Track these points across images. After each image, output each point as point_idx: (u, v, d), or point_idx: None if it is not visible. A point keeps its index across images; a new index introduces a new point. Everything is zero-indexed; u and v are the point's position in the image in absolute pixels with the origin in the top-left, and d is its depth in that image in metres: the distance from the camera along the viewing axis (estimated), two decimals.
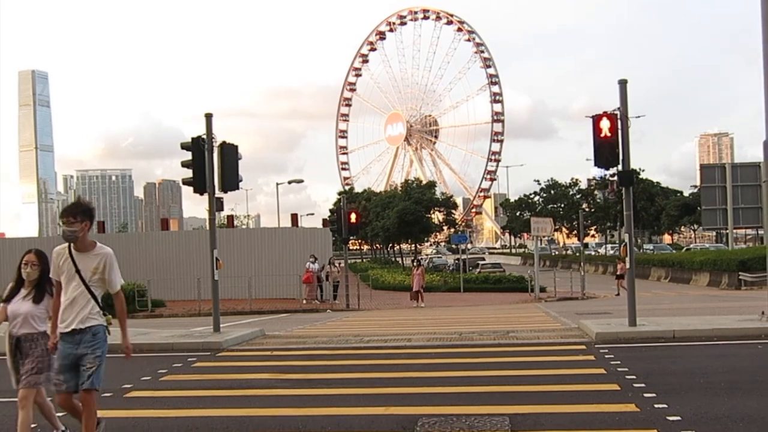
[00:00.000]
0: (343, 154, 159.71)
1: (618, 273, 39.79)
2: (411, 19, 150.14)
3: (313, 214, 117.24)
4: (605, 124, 15.27)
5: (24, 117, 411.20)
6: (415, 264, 38.08)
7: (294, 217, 47.88)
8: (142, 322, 26.21)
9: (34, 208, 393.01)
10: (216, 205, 17.25)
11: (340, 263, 38.12)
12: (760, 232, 68.28)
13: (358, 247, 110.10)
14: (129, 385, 10.60)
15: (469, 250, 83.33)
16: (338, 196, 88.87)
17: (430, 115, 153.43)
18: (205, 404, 9.24)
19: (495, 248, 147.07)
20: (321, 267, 35.50)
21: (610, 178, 16.34)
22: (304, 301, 33.25)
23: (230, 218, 55.45)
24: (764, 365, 11.21)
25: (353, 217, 34.28)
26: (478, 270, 56.77)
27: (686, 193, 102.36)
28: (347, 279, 34.89)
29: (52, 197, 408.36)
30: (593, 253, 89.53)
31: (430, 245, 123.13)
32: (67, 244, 6.72)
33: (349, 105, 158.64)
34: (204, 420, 8.27)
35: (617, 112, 15.39)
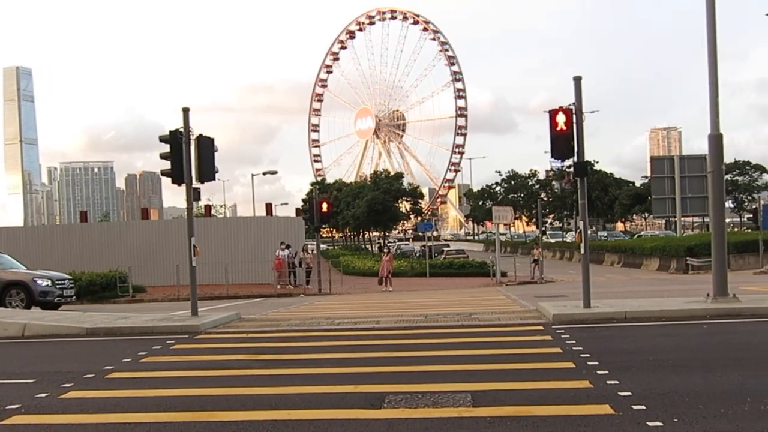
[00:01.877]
0: (316, 146, 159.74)
1: (534, 258, 40.13)
2: (379, 19, 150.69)
3: (287, 203, 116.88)
4: (561, 118, 15.33)
5: (9, 111, 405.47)
6: (385, 251, 38.14)
7: (269, 207, 47.68)
8: (123, 306, 26.03)
9: (20, 198, 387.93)
10: (193, 195, 17.12)
11: (312, 250, 38.10)
12: (706, 219, 69.15)
13: (329, 235, 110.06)
14: (110, 367, 10.51)
15: (438, 238, 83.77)
16: (311, 187, 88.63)
17: (397, 110, 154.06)
18: (183, 384, 9.17)
19: (460, 236, 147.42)
20: (294, 253, 35.45)
21: (567, 170, 16.39)
22: (279, 286, 33.15)
23: (207, 208, 55.20)
24: (709, 344, 11.34)
25: (325, 206, 34.25)
26: (443, 256, 56.96)
27: (638, 184, 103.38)
28: (319, 265, 34.84)
29: (36, 188, 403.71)
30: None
31: (398, 233, 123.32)
32: None
33: (320, 100, 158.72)
34: (182, 399, 8.21)
35: (572, 107, 15.44)
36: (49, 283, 24.76)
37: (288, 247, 35.23)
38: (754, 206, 53.57)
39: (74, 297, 27.15)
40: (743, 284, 22.04)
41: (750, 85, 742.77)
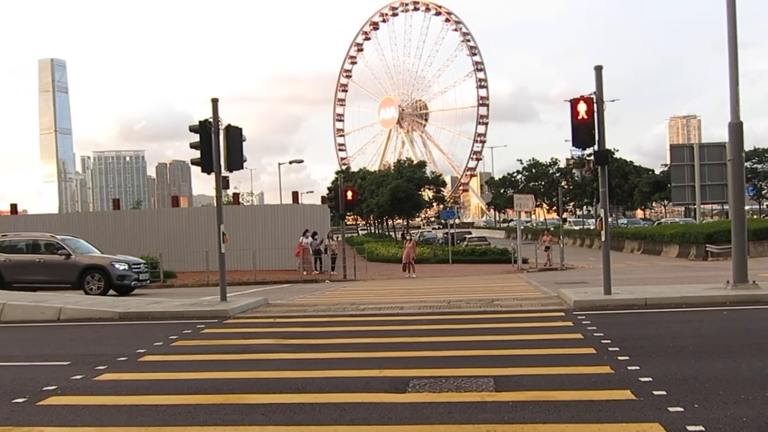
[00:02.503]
0: (340, 136, 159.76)
1: (545, 245, 40.09)
2: (402, 11, 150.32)
3: (312, 192, 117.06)
4: (582, 107, 15.21)
5: (44, 102, 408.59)
6: (408, 238, 38.11)
7: (295, 195, 47.83)
8: (154, 292, 26.19)
9: (54, 186, 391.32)
10: (222, 183, 17.20)
11: (337, 237, 38.16)
12: (726, 207, 68.41)
13: (354, 223, 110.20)
14: (143, 350, 10.59)
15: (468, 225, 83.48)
16: (336, 175, 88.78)
17: (420, 100, 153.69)
18: (213, 367, 9.22)
19: (490, 222, 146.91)
20: (320, 241, 35.52)
21: (587, 158, 16.26)
22: (304, 273, 33.25)
23: (236, 196, 55.41)
24: (729, 330, 11.22)
25: (350, 194, 34.28)
26: (465, 243, 56.79)
27: (657, 171, 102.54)
28: (344, 252, 34.91)
29: (70, 177, 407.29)
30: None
31: (421, 220, 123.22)
32: None
33: (345, 90, 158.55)
34: (212, 381, 8.26)
35: (593, 96, 15.32)
36: (126, 267, 24.65)
37: (314, 234, 35.30)
38: None
39: (148, 281, 27.14)
40: (763, 271, 21.78)
41: None
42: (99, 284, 23.90)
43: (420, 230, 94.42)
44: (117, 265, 24.39)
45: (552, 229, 47.34)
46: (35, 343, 12.55)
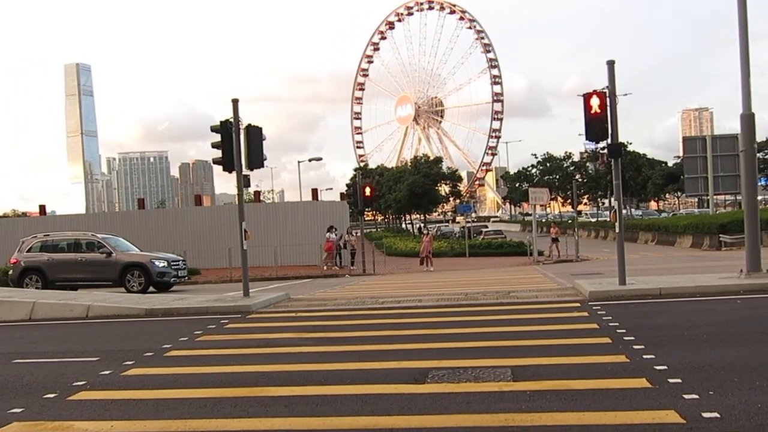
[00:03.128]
0: (358, 133, 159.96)
1: (552, 237, 40.10)
2: (417, 10, 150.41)
3: (331, 188, 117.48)
4: (595, 101, 15.13)
5: (70, 106, 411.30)
6: (425, 232, 38.09)
7: (314, 192, 47.92)
8: (179, 288, 26.31)
9: (81, 187, 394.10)
10: (243, 181, 17.23)
11: (356, 232, 38.18)
12: (738, 197, 67.85)
13: (372, 218, 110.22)
14: (168, 345, 10.66)
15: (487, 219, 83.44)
16: (354, 172, 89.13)
17: (436, 97, 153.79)
18: (237, 361, 9.26)
19: (510, 216, 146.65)
20: (339, 236, 35.58)
21: (601, 151, 16.17)
22: (325, 268, 33.30)
23: (257, 193, 55.49)
24: (742, 318, 11.13)
25: (368, 190, 34.23)
26: (481, 237, 56.71)
27: (670, 164, 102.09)
28: (363, 247, 34.93)
29: (97, 178, 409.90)
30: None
31: (438, 215, 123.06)
32: None
33: (362, 89, 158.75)
34: (236, 375, 8.30)
35: (606, 91, 15.23)
36: (166, 264, 24.81)
37: (335, 230, 35.38)
38: None
39: (186, 277, 27.28)
40: None
41: None
42: (139, 281, 24.10)
43: (438, 225, 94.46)
44: (157, 263, 24.56)
45: (561, 221, 47.13)
46: (65, 340, 12.65)
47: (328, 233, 34.56)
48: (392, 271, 33.15)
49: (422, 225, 64.94)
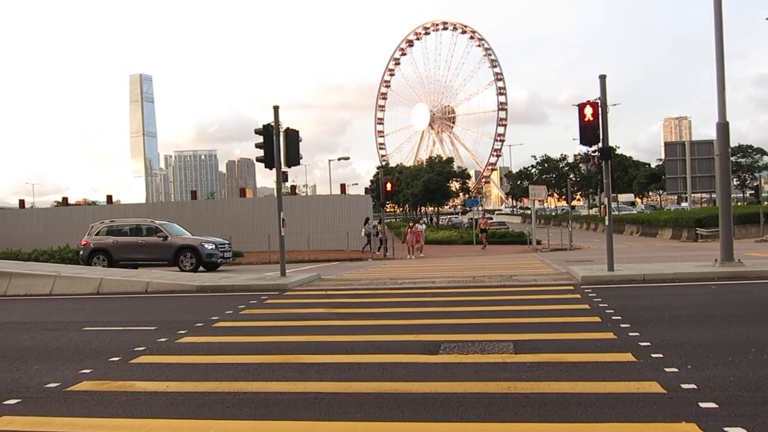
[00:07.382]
0: (381, 136, 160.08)
1: (481, 227, 39.79)
2: (433, 30, 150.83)
3: (357, 184, 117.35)
4: (588, 110, 15.01)
5: (134, 110, 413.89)
6: (410, 224, 36.44)
7: (342, 187, 47.91)
8: (226, 268, 26.41)
9: (142, 181, 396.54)
10: (282, 177, 17.26)
11: (377, 222, 38.10)
12: (714, 196, 67.10)
13: (392, 210, 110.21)
14: (216, 317, 10.70)
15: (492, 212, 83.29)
16: (377, 170, 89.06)
17: (448, 106, 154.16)
18: (274, 332, 9.29)
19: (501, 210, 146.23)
20: (373, 226, 35.35)
21: (593, 154, 16.02)
22: (368, 251, 33.27)
23: (293, 188, 55.60)
24: (717, 302, 11.00)
25: (389, 186, 34.28)
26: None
27: (653, 165, 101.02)
28: (385, 234, 34.86)
29: (155, 172, 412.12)
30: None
31: (449, 207, 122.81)
32: None
33: (385, 98, 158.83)
34: (274, 344, 8.31)
35: (598, 101, 15.09)
36: (213, 246, 24.88)
37: (369, 221, 35.25)
38: (755, 184, 51.81)
39: (232, 258, 27.31)
40: (746, 251, 21.35)
41: (749, 80, 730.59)
42: (191, 261, 24.27)
43: (449, 216, 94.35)
44: (206, 245, 24.69)
45: (556, 215, 46.67)
46: (127, 311, 12.74)
47: (365, 225, 34.53)
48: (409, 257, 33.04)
49: (417, 218, 63.93)
